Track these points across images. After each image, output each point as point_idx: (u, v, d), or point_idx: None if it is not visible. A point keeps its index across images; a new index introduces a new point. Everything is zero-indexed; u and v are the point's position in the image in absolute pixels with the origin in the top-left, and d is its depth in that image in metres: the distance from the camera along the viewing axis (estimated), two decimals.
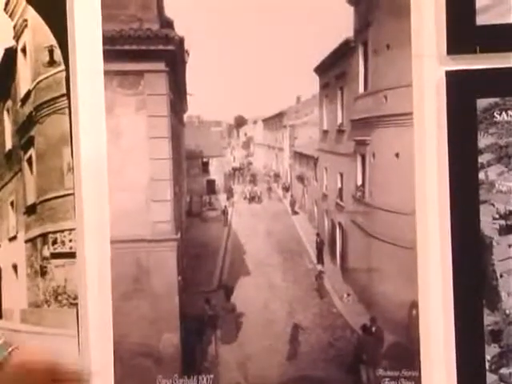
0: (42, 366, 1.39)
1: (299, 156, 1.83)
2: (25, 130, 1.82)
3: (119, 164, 1.77)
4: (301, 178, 1.83)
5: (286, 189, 1.83)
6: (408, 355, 1.70)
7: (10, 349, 1.36)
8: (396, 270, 1.70)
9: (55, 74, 1.79)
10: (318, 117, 1.77)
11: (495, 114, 1.65)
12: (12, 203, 1.85)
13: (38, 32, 1.79)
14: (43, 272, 1.81)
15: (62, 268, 1.80)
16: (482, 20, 1.63)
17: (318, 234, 1.79)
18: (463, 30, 1.64)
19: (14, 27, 1.80)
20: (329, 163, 1.78)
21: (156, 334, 1.78)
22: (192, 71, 1.75)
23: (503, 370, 1.67)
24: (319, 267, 1.78)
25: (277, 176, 1.84)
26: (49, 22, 1.78)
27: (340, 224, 1.76)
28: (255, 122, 1.83)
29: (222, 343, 1.78)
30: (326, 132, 1.78)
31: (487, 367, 1.66)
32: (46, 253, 1.81)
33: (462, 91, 1.65)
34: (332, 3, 1.70)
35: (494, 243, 1.66)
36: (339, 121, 1.76)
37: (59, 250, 1.80)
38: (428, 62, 1.67)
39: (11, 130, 1.83)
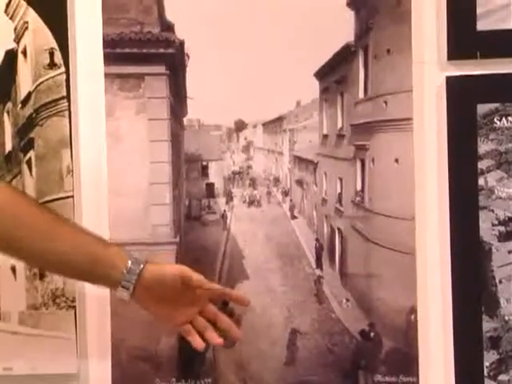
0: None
1: (299, 160, 1.83)
2: (25, 131, 1.81)
3: (119, 167, 1.77)
4: (300, 183, 1.82)
5: (286, 193, 1.83)
6: (406, 361, 1.70)
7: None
8: (395, 276, 1.70)
9: (55, 76, 1.79)
10: (317, 121, 1.77)
11: (495, 119, 1.65)
12: None
13: (39, 34, 1.78)
14: (42, 274, 1.81)
15: None
16: (482, 25, 1.63)
17: (317, 239, 1.79)
18: (464, 36, 1.64)
19: (15, 29, 1.80)
20: (328, 168, 1.78)
21: (154, 338, 1.78)
22: (192, 75, 1.75)
23: (502, 377, 1.66)
24: (318, 272, 1.78)
25: (276, 180, 1.84)
26: (50, 24, 1.78)
27: (339, 229, 1.76)
28: (255, 126, 1.83)
29: (220, 347, 1.78)
30: (325, 136, 1.78)
31: (486, 374, 1.66)
32: None
33: (463, 97, 1.65)
34: (333, 8, 1.70)
35: (494, 249, 1.65)
36: (339, 125, 1.75)
37: None
38: (428, 67, 1.67)
39: (11, 132, 1.83)
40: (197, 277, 1.39)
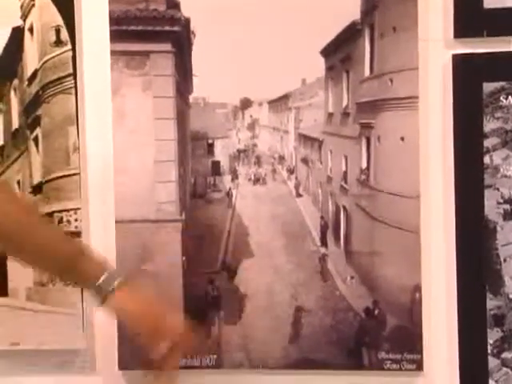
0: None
1: (304, 138, 1.83)
2: (31, 109, 1.82)
3: (124, 144, 1.78)
4: (305, 161, 1.82)
5: (291, 171, 1.83)
6: (410, 338, 1.71)
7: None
8: (399, 254, 1.70)
9: (62, 53, 1.79)
10: (323, 99, 1.76)
11: (501, 98, 1.64)
12: (18, 182, 1.85)
13: (45, 12, 1.79)
14: None
15: None
16: (489, 3, 1.62)
17: (322, 217, 1.79)
18: (470, 13, 1.64)
19: (22, 7, 1.81)
20: (333, 146, 1.78)
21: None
22: (198, 53, 1.75)
23: (505, 355, 1.67)
24: (323, 250, 1.78)
25: (281, 158, 1.84)
26: (56, 1, 1.78)
27: (344, 207, 1.76)
28: (260, 104, 1.83)
29: (225, 324, 1.79)
30: (331, 115, 1.77)
31: (489, 351, 1.67)
32: None
33: (469, 75, 1.64)
34: None
35: (498, 228, 1.66)
36: (344, 104, 1.75)
37: (65, 229, 1.80)
38: (434, 45, 1.67)
39: (18, 110, 1.84)
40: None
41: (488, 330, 1.66)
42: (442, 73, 1.66)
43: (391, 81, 1.69)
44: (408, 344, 1.71)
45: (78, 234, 1.80)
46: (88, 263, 1.43)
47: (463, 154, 1.66)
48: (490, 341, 1.67)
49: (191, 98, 1.80)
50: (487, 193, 1.65)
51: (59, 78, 1.79)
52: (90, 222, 1.82)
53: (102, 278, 1.43)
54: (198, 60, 1.76)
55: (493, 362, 1.67)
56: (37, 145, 1.83)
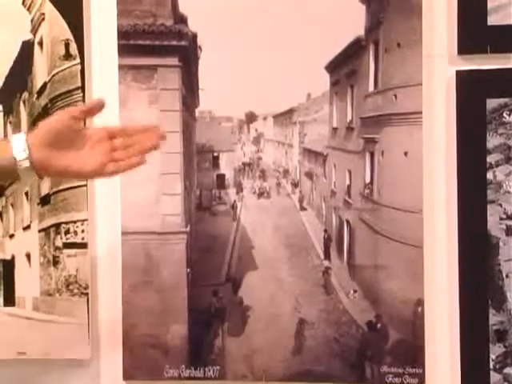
0: None
1: (308, 152, 1.84)
2: (40, 121, 1.84)
3: None
4: (309, 175, 1.84)
5: (295, 185, 1.84)
6: (413, 352, 1.71)
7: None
8: (402, 268, 1.71)
9: (71, 67, 1.82)
10: (327, 114, 1.78)
11: (504, 114, 1.65)
12: (26, 194, 1.88)
13: (55, 26, 1.82)
14: (55, 261, 1.85)
15: (74, 258, 1.83)
16: (493, 20, 1.63)
17: (325, 231, 1.80)
18: (474, 30, 1.65)
19: (32, 20, 1.83)
20: (338, 160, 1.79)
21: (164, 326, 1.81)
22: (204, 67, 1.77)
23: (508, 370, 1.67)
24: (326, 263, 1.79)
25: (286, 172, 1.85)
26: (65, 16, 1.81)
27: (348, 221, 1.77)
28: (265, 118, 1.84)
29: (229, 336, 1.80)
30: (335, 129, 1.79)
31: (491, 366, 1.67)
32: (59, 242, 1.84)
33: (472, 91, 1.65)
34: (344, 1, 1.71)
35: (501, 243, 1.66)
36: (349, 118, 1.76)
37: (71, 240, 1.83)
38: (438, 61, 1.68)
39: (27, 122, 1.87)
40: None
41: (490, 346, 1.66)
42: (445, 89, 1.67)
43: (395, 96, 1.71)
44: (410, 358, 1.71)
45: (84, 245, 1.82)
46: None
47: (466, 170, 1.66)
48: (493, 356, 1.67)
49: (197, 112, 1.83)
50: (490, 208, 1.66)
51: (68, 91, 1.82)
52: (96, 233, 1.84)
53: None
54: (204, 74, 1.78)
55: (495, 378, 1.67)
56: None
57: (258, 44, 1.73)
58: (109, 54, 1.79)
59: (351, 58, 1.74)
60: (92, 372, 1.85)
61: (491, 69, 1.64)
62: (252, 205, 1.82)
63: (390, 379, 1.72)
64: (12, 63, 1.84)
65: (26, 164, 1.30)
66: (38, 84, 1.85)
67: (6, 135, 1.87)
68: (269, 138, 1.88)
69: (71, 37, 1.81)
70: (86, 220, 1.82)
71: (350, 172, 1.77)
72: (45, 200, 1.85)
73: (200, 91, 1.79)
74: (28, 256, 1.87)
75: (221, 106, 1.81)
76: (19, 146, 1.31)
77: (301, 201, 1.84)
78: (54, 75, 1.83)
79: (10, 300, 1.86)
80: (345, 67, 1.75)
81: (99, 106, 1.38)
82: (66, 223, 1.83)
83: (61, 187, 1.83)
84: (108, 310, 1.84)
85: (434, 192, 1.69)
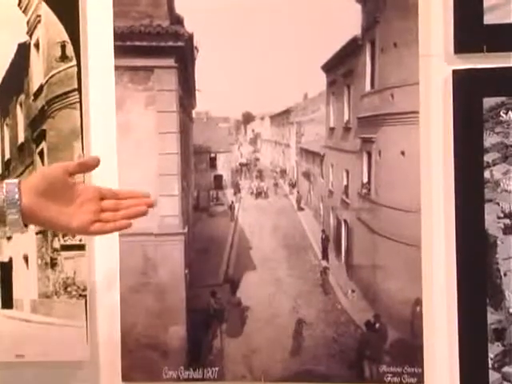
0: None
1: (305, 152, 1.84)
2: (37, 123, 1.85)
3: (128, 158, 1.79)
4: (307, 175, 1.84)
5: (293, 185, 1.85)
6: (411, 352, 1.71)
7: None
8: (400, 267, 1.71)
9: (67, 68, 1.82)
10: (324, 114, 1.78)
11: (501, 113, 1.65)
12: None
13: (51, 28, 1.81)
14: (53, 263, 1.84)
15: (72, 260, 1.83)
16: (489, 19, 1.64)
17: (323, 231, 1.80)
18: (471, 29, 1.65)
19: (28, 22, 1.83)
20: (335, 160, 1.79)
21: (163, 327, 1.81)
22: (201, 68, 1.77)
23: (506, 369, 1.67)
24: (324, 263, 1.79)
25: (283, 172, 1.86)
26: (62, 17, 1.81)
27: (345, 221, 1.78)
28: (262, 119, 1.84)
29: (228, 336, 1.80)
30: (332, 129, 1.79)
31: (490, 365, 1.67)
32: (57, 245, 1.84)
33: (469, 90, 1.65)
34: (340, 1, 1.71)
35: (499, 242, 1.66)
36: (346, 118, 1.77)
37: (69, 242, 1.83)
38: (435, 60, 1.68)
39: (24, 124, 1.86)
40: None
41: (489, 344, 1.67)
42: (442, 88, 1.68)
43: (392, 96, 1.71)
44: (409, 357, 1.71)
45: (82, 247, 1.82)
46: None
47: (464, 169, 1.67)
48: (491, 355, 1.67)
49: (194, 113, 1.82)
50: (487, 207, 1.66)
51: (64, 93, 1.82)
52: None
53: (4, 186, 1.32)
54: (201, 75, 1.78)
55: (493, 376, 1.67)
56: (42, 159, 1.85)
57: (255, 44, 1.73)
58: (105, 55, 1.79)
59: (348, 57, 1.74)
60: (91, 374, 1.84)
61: (488, 68, 1.64)
62: (250, 205, 1.82)
63: (389, 379, 1.72)
64: (8, 65, 1.83)
65: (16, 208, 1.31)
66: (35, 86, 1.84)
67: (2, 137, 1.87)
68: (266, 139, 1.88)
69: (67, 38, 1.81)
70: None
71: (347, 172, 1.77)
72: None
73: (197, 92, 1.79)
74: (26, 258, 1.87)
75: (218, 107, 1.80)
76: (11, 189, 1.31)
77: (298, 201, 1.84)
78: (50, 77, 1.83)
79: (7, 302, 1.86)
80: (341, 67, 1.75)
81: (95, 163, 1.39)
82: None
83: None
84: (106, 312, 1.84)
85: (432, 191, 1.70)
